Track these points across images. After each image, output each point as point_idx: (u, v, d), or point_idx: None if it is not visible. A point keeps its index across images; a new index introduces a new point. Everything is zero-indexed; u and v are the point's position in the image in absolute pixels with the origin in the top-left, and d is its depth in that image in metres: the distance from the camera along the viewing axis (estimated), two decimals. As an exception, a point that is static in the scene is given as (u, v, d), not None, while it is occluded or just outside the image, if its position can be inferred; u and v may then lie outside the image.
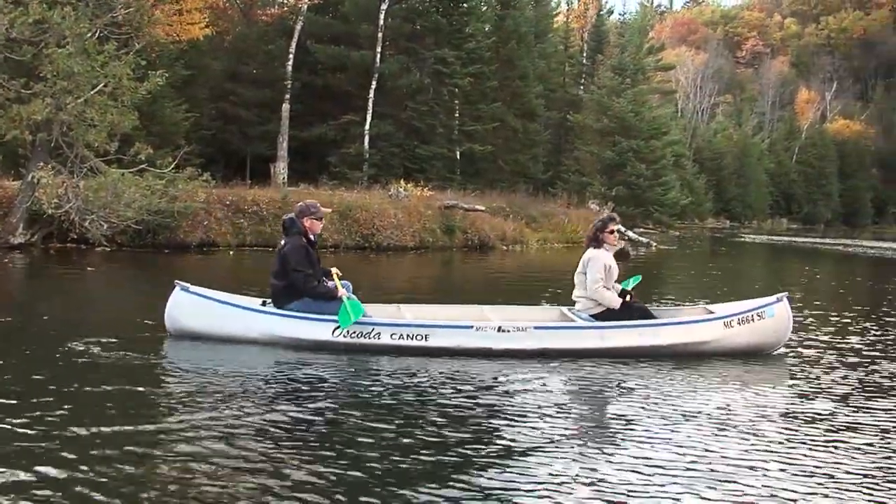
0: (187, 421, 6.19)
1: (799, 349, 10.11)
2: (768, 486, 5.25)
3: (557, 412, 6.97)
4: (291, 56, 38.03)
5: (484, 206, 30.87)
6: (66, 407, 6.36)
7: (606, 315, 9.55)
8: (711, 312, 9.95)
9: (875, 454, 6.06)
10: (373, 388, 7.52)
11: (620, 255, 28.35)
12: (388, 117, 38.85)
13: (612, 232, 9.88)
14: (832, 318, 13.06)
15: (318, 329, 8.99)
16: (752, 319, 9.51)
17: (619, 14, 69.77)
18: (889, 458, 5.99)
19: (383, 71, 38.67)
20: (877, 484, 5.41)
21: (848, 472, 5.61)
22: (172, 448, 5.53)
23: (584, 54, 60.74)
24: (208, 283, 10.10)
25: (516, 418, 6.65)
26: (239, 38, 38.87)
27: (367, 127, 37.99)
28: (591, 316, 9.62)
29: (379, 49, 38.72)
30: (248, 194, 25.29)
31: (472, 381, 7.86)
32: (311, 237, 9.45)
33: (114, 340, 8.84)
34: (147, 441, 5.63)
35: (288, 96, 37.72)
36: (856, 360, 9.58)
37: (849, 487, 5.33)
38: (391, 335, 8.96)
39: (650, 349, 9.20)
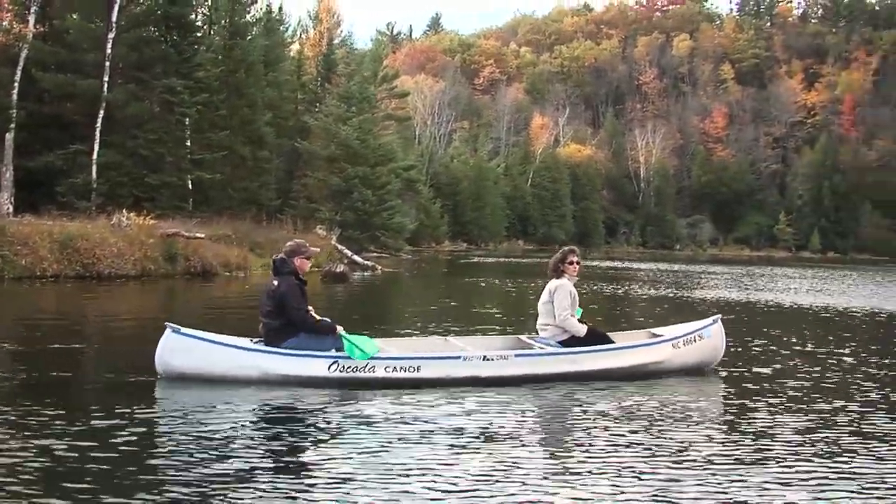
0: (192, 463, 6.52)
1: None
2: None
3: (545, 434, 8.04)
4: (16, 84, 37.28)
5: (209, 233, 31.65)
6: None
7: (571, 341, 10.56)
8: (657, 336, 11.14)
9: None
10: (365, 421, 7.99)
11: (339, 279, 30.46)
12: (117, 146, 38.76)
13: (571, 263, 10.92)
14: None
15: (313, 365, 9.38)
16: (695, 340, 10.75)
17: (348, 43, 71.58)
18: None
19: (111, 100, 38.69)
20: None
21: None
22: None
23: (318, 82, 62.40)
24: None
25: (496, 443, 7.34)
26: (-41, 65, 38.37)
27: (94, 156, 37.85)
28: (559, 342, 10.59)
29: (106, 78, 38.68)
30: (-37, 225, 24.56)
31: (456, 410, 8.49)
32: (301, 276, 10.02)
33: None
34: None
35: (13, 125, 36.79)
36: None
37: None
38: (385, 368, 9.43)
39: (614, 371, 10.25)
